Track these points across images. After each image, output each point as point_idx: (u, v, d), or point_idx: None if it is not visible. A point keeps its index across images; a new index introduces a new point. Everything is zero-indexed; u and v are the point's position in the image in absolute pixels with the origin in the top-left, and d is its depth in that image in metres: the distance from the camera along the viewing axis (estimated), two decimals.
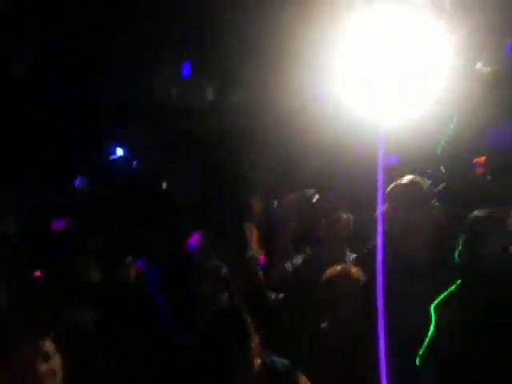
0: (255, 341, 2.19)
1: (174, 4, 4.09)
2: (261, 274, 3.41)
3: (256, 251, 3.69)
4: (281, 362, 2.26)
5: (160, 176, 7.47)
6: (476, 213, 4.06)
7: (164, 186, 7.97)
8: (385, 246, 2.68)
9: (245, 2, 4.26)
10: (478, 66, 4.78)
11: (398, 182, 2.91)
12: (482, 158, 7.39)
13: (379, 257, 2.59)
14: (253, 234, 4.56)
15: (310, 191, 3.74)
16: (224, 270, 3.20)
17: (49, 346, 1.92)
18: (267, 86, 5.61)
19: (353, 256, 3.61)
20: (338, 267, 2.69)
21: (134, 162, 8.51)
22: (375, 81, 4.36)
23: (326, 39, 4.54)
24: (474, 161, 7.38)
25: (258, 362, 2.15)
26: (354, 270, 2.69)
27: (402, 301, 2.49)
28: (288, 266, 3.40)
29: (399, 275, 2.55)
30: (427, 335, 2.37)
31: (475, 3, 3.75)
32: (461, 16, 3.77)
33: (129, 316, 3.12)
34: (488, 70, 4.61)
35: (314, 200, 3.51)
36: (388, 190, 2.89)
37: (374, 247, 2.72)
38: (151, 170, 7.70)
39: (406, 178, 2.92)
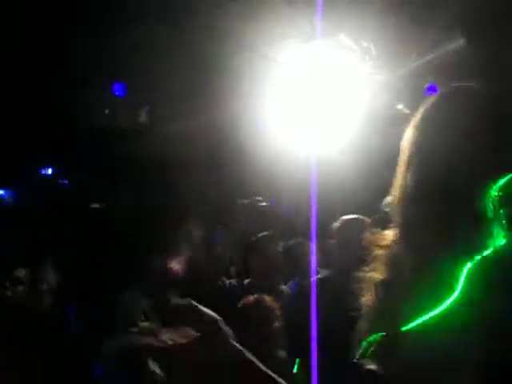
0: None
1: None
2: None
3: None
4: None
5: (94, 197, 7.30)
6: None
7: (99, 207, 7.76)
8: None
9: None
10: (399, 107, 5.12)
11: (343, 218, 2.99)
12: None
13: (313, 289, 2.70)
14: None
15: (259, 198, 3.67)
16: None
17: None
18: (200, 113, 5.70)
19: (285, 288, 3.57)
20: (252, 296, 2.75)
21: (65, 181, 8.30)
22: (301, 114, 4.60)
23: (261, 72, 4.72)
24: None
25: None
26: (268, 299, 2.75)
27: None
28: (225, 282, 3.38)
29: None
30: None
31: (398, 49, 4.04)
32: (384, 60, 4.05)
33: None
34: (407, 111, 4.92)
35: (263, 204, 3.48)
36: (336, 225, 2.98)
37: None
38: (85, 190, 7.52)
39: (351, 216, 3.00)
